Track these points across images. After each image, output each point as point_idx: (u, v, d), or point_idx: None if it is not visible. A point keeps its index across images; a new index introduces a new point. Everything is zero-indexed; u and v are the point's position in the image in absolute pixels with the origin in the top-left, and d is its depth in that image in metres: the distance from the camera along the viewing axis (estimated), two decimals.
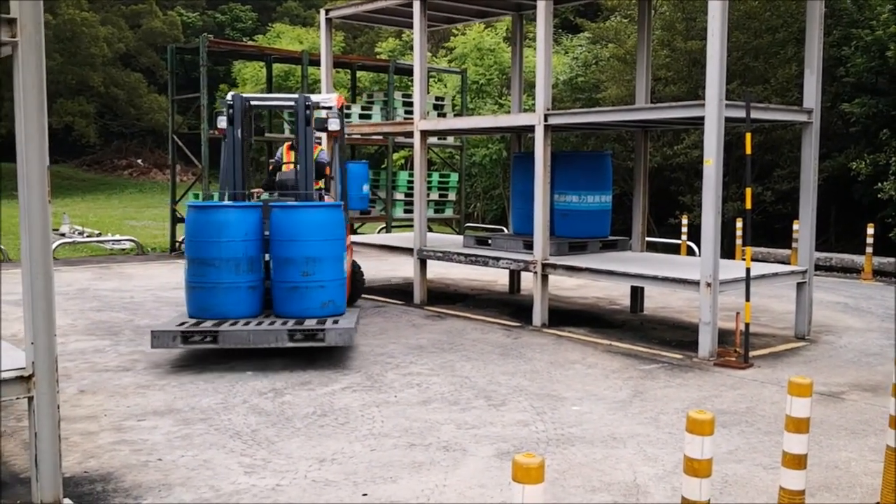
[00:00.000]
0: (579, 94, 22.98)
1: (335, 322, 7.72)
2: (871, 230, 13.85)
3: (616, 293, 12.02)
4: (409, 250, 11.32)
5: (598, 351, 8.35)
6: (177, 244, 17.45)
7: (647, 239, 11.20)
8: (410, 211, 16.60)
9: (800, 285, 9.03)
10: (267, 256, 8.12)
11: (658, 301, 11.42)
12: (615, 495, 4.67)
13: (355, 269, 10.40)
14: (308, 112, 8.78)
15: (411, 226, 14.64)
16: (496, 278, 13.58)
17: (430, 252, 10.96)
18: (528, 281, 10.99)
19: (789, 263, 13.70)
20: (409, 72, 18.53)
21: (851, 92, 16.72)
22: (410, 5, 10.91)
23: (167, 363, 7.68)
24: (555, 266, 9.43)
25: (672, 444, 5.51)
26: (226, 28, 44.85)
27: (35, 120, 3.76)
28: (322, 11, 12.72)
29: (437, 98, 18.38)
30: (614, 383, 7.09)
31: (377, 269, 14.74)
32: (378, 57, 28.83)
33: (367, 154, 24.46)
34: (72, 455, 5.20)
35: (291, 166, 9.36)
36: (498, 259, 10.15)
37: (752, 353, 8.02)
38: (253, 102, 9.23)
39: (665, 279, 8.48)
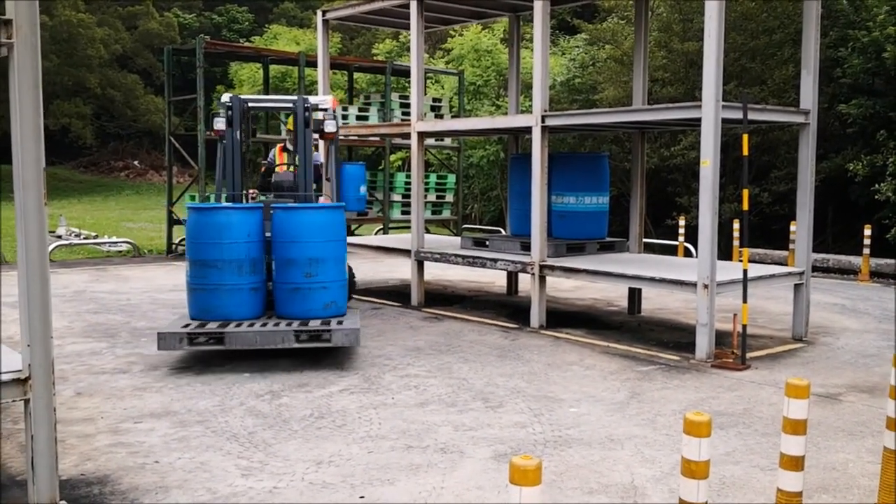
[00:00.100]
0: (576, 95, 22.98)
1: (340, 323, 7.76)
2: (868, 231, 13.87)
3: (613, 294, 12.03)
4: (406, 252, 11.32)
5: (596, 352, 8.35)
6: (173, 246, 17.42)
7: (645, 240, 11.20)
8: (408, 212, 16.58)
9: (797, 287, 9.03)
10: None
11: (655, 302, 11.43)
12: (613, 497, 4.67)
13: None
14: (307, 114, 8.80)
15: (408, 227, 14.62)
16: (494, 280, 13.58)
17: (427, 253, 10.95)
18: (525, 282, 10.99)
19: (786, 265, 13.71)
20: (406, 73, 18.52)
21: (848, 93, 16.73)
22: (407, 6, 10.91)
23: (164, 365, 7.67)
24: (552, 267, 9.43)
25: (669, 445, 5.51)
26: (222, 29, 44.79)
27: (31, 121, 3.75)
28: (319, 13, 12.71)
29: (435, 99, 18.38)
30: (612, 385, 7.09)
31: (374, 270, 14.73)
32: (375, 58, 28.81)
33: (365, 155, 24.42)
34: (68, 457, 5.18)
35: (285, 168, 9.36)
36: (495, 260, 10.15)
37: (749, 355, 8.03)
38: (251, 104, 9.22)
39: (662, 281, 8.49)
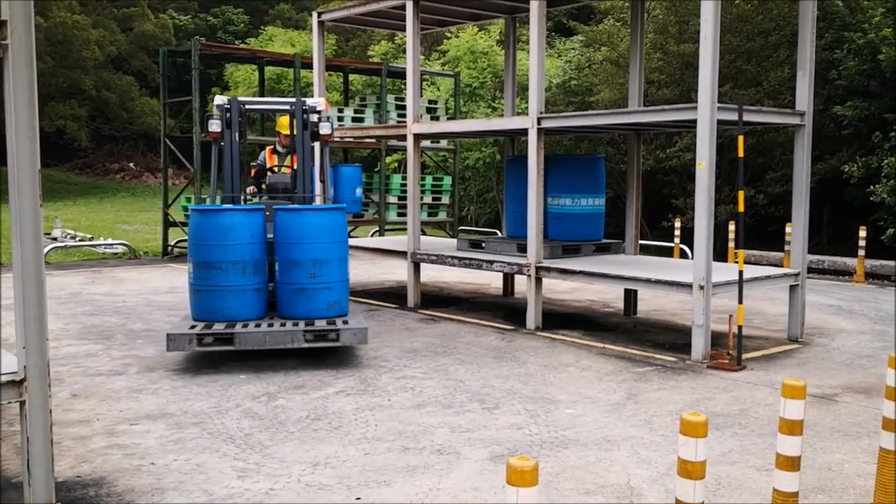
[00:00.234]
0: (572, 97, 23.00)
1: (345, 322, 7.82)
2: (863, 233, 13.89)
3: (610, 296, 12.04)
4: (402, 254, 11.32)
5: (592, 354, 8.35)
6: (169, 248, 17.40)
7: (641, 242, 11.20)
8: (404, 214, 16.57)
9: (792, 288, 9.05)
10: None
11: (651, 304, 11.44)
12: (609, 497, 4.67)
13: None
14: (305, 116, 8.82)
15: (405, 229, 14.61)
16: (490, 281, 13.58)
17: (423, 255, 10.95)
18: (521, 284, 10.98)
19: (782, 266, 13.74)
20: (401, 75, 18.53)
21: (843, 95, 16.77)
22: (403, 8, 10.91)
23: (160, 367, 7.66)
24: (548, 269, 9.44)
25: (666, 446, 5.51)
26: (218, 31, 44.78)
27: (26, 123, 3.74)
28: (314, 14, 12.70)
29: (431, 101, 18.37)
30: (608, 386, 7.09)
31: (370, 272, 14.73)
32: (371, 60, 28.82)
33: (360, 157, 24.41)
34: (64, 459, 5.17)
35: (277, 170, 9.36)
36: (491, 262, 10.15)
37: (745, 356, 8.04)
38: (248, 106, 9.23)
39: (658, 282, 8.50)
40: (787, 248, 13.47)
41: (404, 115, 15.34)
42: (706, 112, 7.80)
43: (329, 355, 8.04)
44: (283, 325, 7.75)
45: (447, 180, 18.45)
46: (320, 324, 7.77)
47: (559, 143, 21.06)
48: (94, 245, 17.81)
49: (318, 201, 9.28)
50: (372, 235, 18.36)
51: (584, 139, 20.68)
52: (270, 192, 9.22)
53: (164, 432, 5.76)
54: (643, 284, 8.77)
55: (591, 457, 5.32)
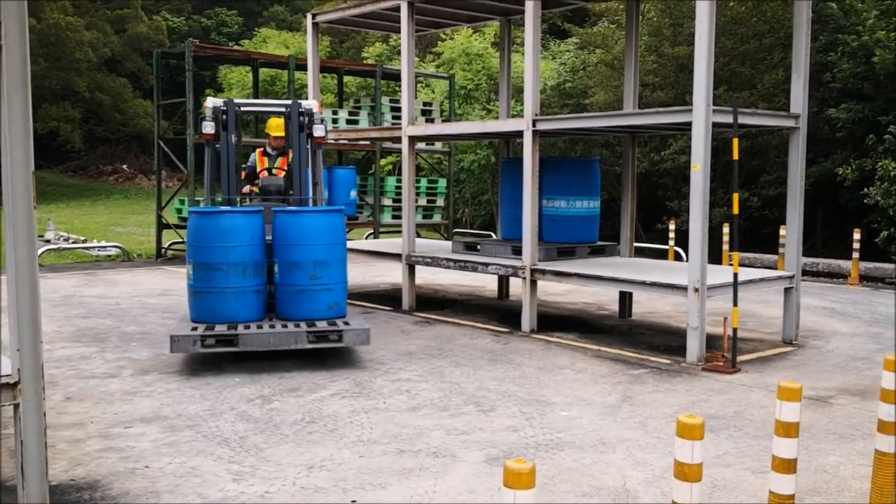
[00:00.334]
0: (567, 99, 23.03)
1: (347, 324, 7.84)
2: (857, 235, 13.93)
3: (604, 298, 12.04)
4: (397, 256, 11.31)
5: (587, 356, 8.35)
6: (163, 250, 17.36)
7: (635, 244, 11.22)
8: (398, 216, 16.58)
9: (787, 290, 9.06)
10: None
11: (646, 306, 11.45)
12: (605, 499, 4.66)
13: None
14: (301, 119, 8.82)
15: (399, 231, 14.62)
16: (485, 284, 13.57)
17: (418, 258, 10.94)
18: (516, 286, 10.98)
19: (776, 269, 13.76)
20: (396, 77, 18.53)
21: (838, 97, 16.81)
22: (398, 10, 10.90)
23: (154, 370, 7.64)
24: (543, 271, 9.43)
25: (661, 448, 5.51)
26: (211, 33, 44.68)
27: (20, 124, 3.72)
28: (309, 16, 12.70)
29: (425, 103, 18.38)
30: (603, 388, 7.09)
31: (365, 274, 14.72)
32: (365, 62, 28.80)
33: (355, 160, 24.41)
34: (58, 463, 5.15)
35: (266, 173, 9.34)
36: (486, 264, 10.14)
37: (739, 358, 8.04)
38: (243, 108, 9.21)
39: (653, 284, 8.50)
40: (781, 250, 13.51)
41: (399, 117, 15.36)
42: (701, 114, 7.81)
43: (323, 358, 8.02)
44: (284, 326, 7.78)
45: (442, 182, 18.46)
46: (321, 325, 7.81)
47: (554, 145, 21.08)
48: (88, 247, 17.76)
49: (308, 204, 9.26)
50: (366, 238, 18.34)
51: (579, 141, 20.70)
52: (263, 195, 9.22)
53: (159, 435, 5.74)
54: (638, 287, 8.77)
55: (587, 459, 5.31)
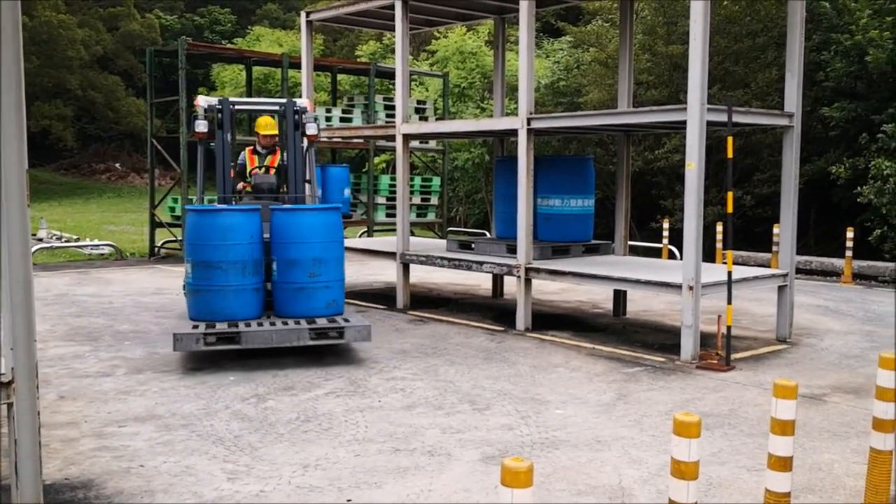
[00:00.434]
0: (561, 98, 23.03)
1: (346, 321, 7.87)
2: (850, 234, 13.97)
3: (599, 297, 12.05)
4: (391, 254, 11.29)
5: (582, 354, 8.35)
6: (156, 249, 17.30)
7: (630, 243, 11.22)
8: (392, 215, 16.57)
9: (781, 288, 9.08)
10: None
11: (640, 304, 11.46)
12: (600, 498, 4.67)
13: None
14: (296, 117, 8.80)
15: (393, 230, 14.60)
16: (479, 282, 13.57)
17: (412, 256, 10.93)
18: (511, 285, 10.98)
19: (769, 267, 13.80)
20: (390, 75, 18.51)
21: (831, 96, 16.86)
22: (392, 8, 10.88)
23: (148, 368, 7.61)
24: (538, 270, 9.43)
25: (656, 446, 5.51)
26: (205, 31, 44.58)
27: (14, 122, 3.70)
28: (302, 14, 12.67)
29: (419, 102, 18.36)
30: (598, 386, 7.10)
31: (359, 273, 14.70)
32: (358, 60, 28.76)
33: (349, 158, 24.36)
34: (52, 462, 5.13)
35: (258, 171, 9.33)
36: (481, 263, 10.14)
37: (733, 356, 8.06)
38: (237, 107, 9.19)
39: (647, 283, 8.51)
40: (774, 248, 13.54)
41: (393, 116, 15.34)
42: (696, 113, 7.82)
43: (319, 356, 8.01)
44: (285, 323, 7.79)
45: (436, 181, 18.45)
46: (321, 322, 7.83)
47: (548, 143, 21.09)
48: (81, 246, 17.70)
49: (303, 202, 9.25)
50: (360, 236, 18.33)
51: (573, 140, 20.71)
52: (255, 193, 9.20)
53: (153, 434, 5.72)
54: (632, 285, 8.78)
55: (582, 457, 5.32)
